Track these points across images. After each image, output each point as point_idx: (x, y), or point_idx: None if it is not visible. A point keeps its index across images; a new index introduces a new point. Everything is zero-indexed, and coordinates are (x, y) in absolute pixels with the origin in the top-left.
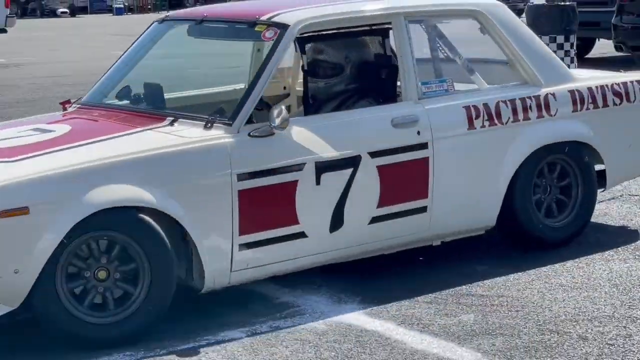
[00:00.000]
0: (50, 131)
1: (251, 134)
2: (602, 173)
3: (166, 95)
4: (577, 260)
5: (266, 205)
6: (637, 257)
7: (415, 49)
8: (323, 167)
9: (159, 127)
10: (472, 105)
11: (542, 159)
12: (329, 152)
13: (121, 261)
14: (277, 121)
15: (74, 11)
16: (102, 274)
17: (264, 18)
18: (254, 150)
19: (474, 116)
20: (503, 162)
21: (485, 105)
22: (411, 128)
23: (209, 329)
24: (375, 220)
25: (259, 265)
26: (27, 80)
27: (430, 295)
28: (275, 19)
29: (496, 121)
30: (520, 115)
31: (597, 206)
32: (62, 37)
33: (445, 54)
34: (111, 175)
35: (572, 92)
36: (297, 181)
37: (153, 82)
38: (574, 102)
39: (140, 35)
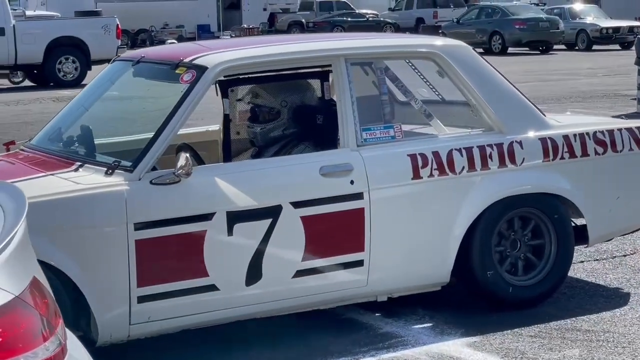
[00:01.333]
0: None
1: (153, 181)
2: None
3: (101, 140)
4: None
5: (168, 256)
6: None
7: (364, 91)
8: (236, 217)
9: (63, 172)
10: (419, 154)
11: (506, 211)
12: (244, 201)
13: None
14: (179, 169)
15: (182, 42)
16: None
17: (186, 60)
18: (154, 198)
19: (420, 165)
20: (456, 215)
21: (435, 153)
22: (343, 177)
23: (312, 357)
24: (300, 273)
25: (164, 319)
26: (141, 114)
27: (534, 328)
28: (196, 61)
29: (447, 171)
30: (478, 165)
31: None
32: None
33: (399, 97)
34: None
35: (543, 140)
36: (205, 231)
37: (85, 126)
38: (546, 151)
39: (97, 75)
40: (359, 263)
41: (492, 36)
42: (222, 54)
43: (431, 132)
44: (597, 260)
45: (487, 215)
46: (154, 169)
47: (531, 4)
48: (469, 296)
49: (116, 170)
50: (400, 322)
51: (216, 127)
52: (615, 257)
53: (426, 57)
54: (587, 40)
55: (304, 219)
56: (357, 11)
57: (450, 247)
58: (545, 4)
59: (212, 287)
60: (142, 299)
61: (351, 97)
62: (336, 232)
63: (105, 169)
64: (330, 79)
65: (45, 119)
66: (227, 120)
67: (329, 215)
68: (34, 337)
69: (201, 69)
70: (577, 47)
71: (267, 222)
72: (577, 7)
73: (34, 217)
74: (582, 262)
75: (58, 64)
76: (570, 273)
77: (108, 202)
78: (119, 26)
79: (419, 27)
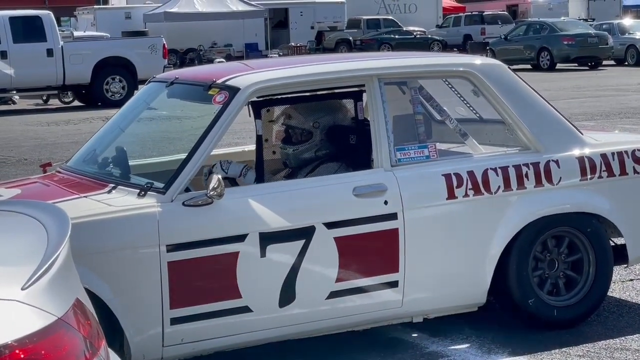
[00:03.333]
0: None
1: (185, 203)
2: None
3: (136, 162)
4: None
5: (201, 278)
6: None
7: (399, 110)
8: (269, 238)
9: (96, 194)
10: (454, 173)
11: (544, 231)
12: (276, 222)
13: None
14: (212, 190)
15: (230, 60)
16: None
17: (219, 81)
18: (187, 220)
19: (455, 185)
20: (492, 235)
21: (471, 173)
22: (377, 197)
23: None
24: (334, 294)
25: (197, 340)
26: (189, 132)
27: (582, 347)
28: (228, 82)
29: (483, 190)
30: (514, 184)
31: None
32: None
33: (434, 117)
34: None
35: (580, 159)
36: (237, 252)
37: (120, 147)
38: (583, 170)
39: (133, 96)
40: (394, 284)
41: (540, 52)
42: (255, 74)
43: (466, 152)
44: None
45: (524, 235)
46: (187, 190)
47: (580, 19)
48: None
49: (149, 192)
50: (446, 342)
51: (252, 147)
52: None
53: (460, 75)
54: (637, 55)
55: (338, 239)
56: (404, 29)
57: (486, 268)
58: (594, 20)
59: (245, 309)
60: (175, 321)
61: (385, 116)
62: (370, 252)
63: (138, 190)
64: (364, 99)
65: None
66: (259, 141)
67: (363, 235)
68: (76, 359)
69: (233, 90)
70: (626, 63)
71: (300, 243)
72: (627, 22)
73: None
74: (632, 280)
75: (105, 84)
76: (619, 292)
77: (140, 224)
78: (165, 46)
79: (466, 44)
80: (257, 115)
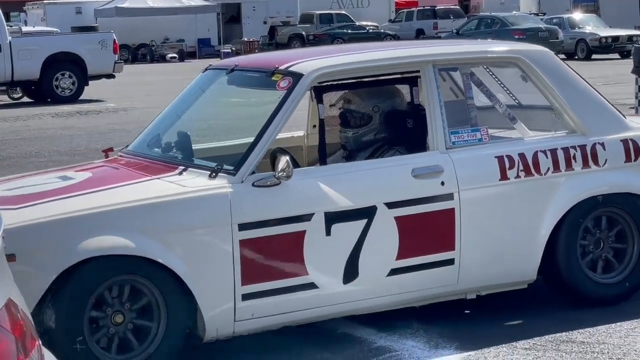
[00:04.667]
0: (70, 179)
1: (255, 183)
2: None
3: (197, 146)
4: None
5: (271, 256)
6: None
7: (450, 96)
8: (334, 218)
9: (168, 176)
10: (506, 155)
11: (591, 211)
12: (340, 203)
13: (133, 302)
14: (280, 171)
15: (183, 56)
16: (118, 319)
17: (281, 67)
18: (257, 200)
19: (507, 167)
20: (542, 214)
21: (522, 155)
22: (434, 179)
23: None
24: (395, 272)
25: (266, 316)
26: (136, 124)
27: (529, 341)
28: (292, 69)
29: (533, 172)
30: (562, 166)
31: None
32: (170, 82)
33: (485, 102)
34: (100, 224)
35: (625, 141)
36: (304, 231)
37: (183, 132)
38: (627, 152)
39: (189, 84)
40: (450, 262)
41: None
42: (317, 61)
43: (516, 135)
44: None
45: (572, 215)
46: (252, 172)
47: (530, 14)
48: (463, 307)
49: (219, 174)
50: (394, 336)
51: (300, 133)
52: None
53: (510, 62)
54: (587, 49)
55: (398, 219)
56: (357, 23)
57: (536, 246)
58: (544, 14)
59: (311, 285)
60: (246, 297)
61: (439, 101)
62: (428, 231)
63: (209, 172)
64: (419, 84)
65: (43, 135)
66: (322, 125)
67: (421, 215)
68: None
69: (297, 76)
70: (576, 57)
71: (362, 222)
72: (577, 16)
73: (142, 218)
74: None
75: (55, 79)
76: None
77: (214, 203)
78: (116, 41)
79: (419, 38)
80: (319, 100)
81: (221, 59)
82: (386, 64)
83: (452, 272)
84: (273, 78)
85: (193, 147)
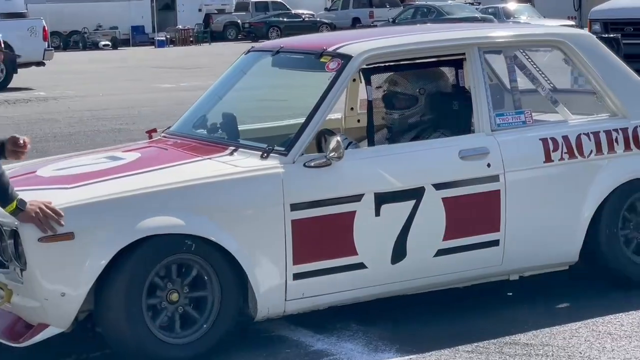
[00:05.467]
0: (120, 159)
1: (306, 164)
2: None
3: (242, 127)
4: (625, 307)
5: (321, 236)
6: None
7: (494, 79)
8: (383, 198)
9: (218, 156)
10: (550, 138)
11: (632, 194)
12: (389, 183)
13: (191, 284)
14: (332, 152)
15: (116, 44)
16: (174, 297)
17: (330, 49)
18: (309, 180)
19: (551, 149)
20: (585, 196)
21: (565, 137)
22: (480, 160)
23: None
24: (441, 252)
25: (316, 295)
26: (66, 114)
27: (472, 343)
28: (340, 50)
29: (577, 154)
30: (605, 149)
31: None
32: (103, 70)
33: (527, 85)
34: (159, 204)
35: None
36: (354, 212)
37: (229, 113)
38: None
39: (230, 65)
40: (495, 243)
41: None
42: (366, 42)
43: (558, 118)
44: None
45: (614, 198)
46: (302, 153)
47: (466, 3)
48: (403, 308)
49: (271, 154)
50: (332, 339)
51: (338, 115)
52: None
53: (553, 45)
54: None
55: (445, 200)
56: (293, 12)
57: (579, 228)
58: (479, 3)
59: (360, 265)
60: (297, 276)
61: (485, 84)
62: (474, 212)
63: (260, 153)
64: (464, 67)
65: None
66: (370, 106)
67: (468, 196)
68: None
69: (346, 58)
70: None
71: (411, 203)
72: (511, 6)
73: (197, 198)
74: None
75: None
76: (506, 286)
77: (266, 183)
78: (46, 28)
79: (355, 27)
80: (368, 82)
81: (155, 47)
82: (433, 47)
83: (496, 253)
84: (321, 60)
85: (239, 128)
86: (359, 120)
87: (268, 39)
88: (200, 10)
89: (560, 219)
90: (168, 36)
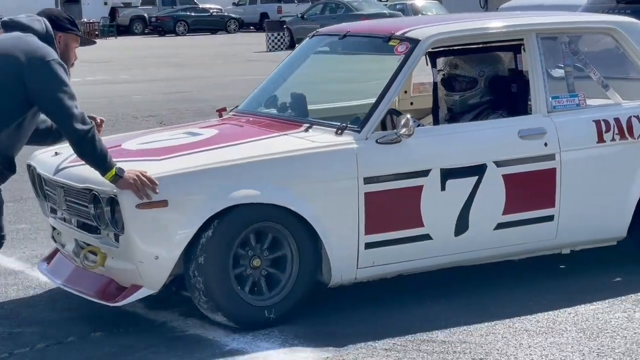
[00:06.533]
0: (199, 134)
1: (378, 140)
2: None
3: (310, 106)
4: (541, 303)
5: (391, 208)
6: (603, 298)
7: (548, 64)
8: (448, 174)
9: (294, 132)
10: (603, 120)
11: None
12: (454, 160)
13: (270, 249)
14: (403, 129)
15: None
16: (256, 262)
17: (398, 33)
18: (380, 155)
19: (604, 130)
20: (634, 176)
21: (617, 120)
22: (538, 140)
23: None
24: (500, 226)
25: (385, 264)
26: None
27: (389, 341)
28: (408, 34)
29: (627, 135)
30: None
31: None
32: None
33: (580, 70)
34: (245, 175)
35: None
36: (422, 186)
37: (297, 93)
38: None
39: (295, 49)
40: (550, 218)
41: None
42: (432, 27)
43: (609, 101)
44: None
45: None
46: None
47: None
48: (320, 306)
49: (345, 131)
50: (247, 338)
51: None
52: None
53: (605, 32)
54: None
55: (505, 176)
56: (200, 6)
57: (628, 206)
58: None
59: (426, 237)
60: (368, 245)
61: (542, 68)
62: (531, 189)
63: (335, 129)
64: (522, 52)
65: None
66: (435, 87)
67: (526, 173)
68: None
69: (414, 41)
70: None
71: (474, 179)
72: (419, 2)
73: (279, 170)
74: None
75: None
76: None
77: (342, 158)
78: None
79: (263, 22)
80: (433, 65)
81: None
82: (494, 32)
83: (551, 227)
84: (390, 43)
85: (308, 108)
86: (412, 103)
87: (175, 33)
88: (105, 3)
89: (611, 196)
90: None
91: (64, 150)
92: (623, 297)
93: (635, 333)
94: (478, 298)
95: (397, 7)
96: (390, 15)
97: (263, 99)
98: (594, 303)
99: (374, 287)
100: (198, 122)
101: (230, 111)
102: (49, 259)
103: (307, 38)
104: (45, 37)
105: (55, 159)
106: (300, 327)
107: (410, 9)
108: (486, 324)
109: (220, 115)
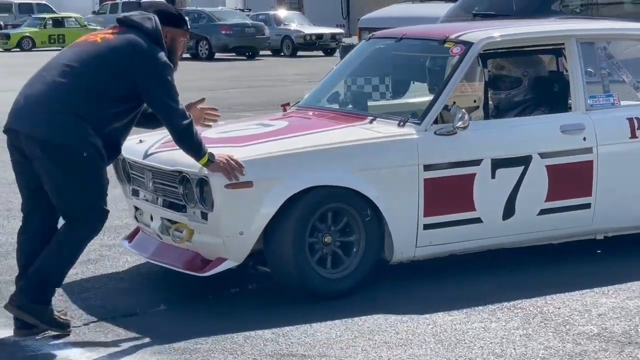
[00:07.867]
0: (271, 125)
1: (437, 132)
2: None
3: (369, 102)
4: (400, 313)
5: (447, 193)
6: (460, 308)
7: (586, 66)
8: (498, 164)
9: (360, 124)
10: (636, 118)
11: None
12: (503, 151)
13: (341, 230)
14: (459, 122)
15: None
16: (327, 239)
17: (452, 37)
18: (438, 146)
19: (636, 127)
20: None
21: None
22: (578, 135)
23: None
24: (543, 212)
25: (440, 244)
26: None
27: (248, 356)
28: (462, 38)
29: None
30: None
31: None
32: None
33: (615, 73)
34: (320, 160)
35: None
36: (474, 174)
37: (358, 90)
38: None
39: (352, 50)
40: (587, 206)
41: (199, 42)
42: (483, 32)
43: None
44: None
45: None
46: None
47: (237, 9)
48: (181, 323)
49: (407, 123)
50: (103, 356)
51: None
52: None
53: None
54: (292, 46)
55: (548, 167)
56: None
57: None
58: (250, 10)
59: (477, 220)
60: (426, 227)
61: (581, 69)
62: (571, 179)
63: (397, 122)
64: (563, 55)
65: None
66: (485, 86)
67: (566, 165)
68: None
69: (468, 44)
70: (282, 53)
71: (520, 169)
72: (282, 13)
73: (351, 156)
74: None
75: None
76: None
77: (405, 147)
78: None
79: None
80: (484, 65)
81: None
82: (539, 37)
83: (588, 214)
84: (445, 45)
85: (368, 104)
86: (454, 102)
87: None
88: None
89: None
90: None
91: (147, 138)
92: (481, 307)
93: (491, 343)
94: (339, 313)
95: (260, 17)
96: (253, 26)
97: (323, 95)
98: (451, 313)
99: (218, 303)
100: (266, 115)
101: (293, 106)
102: (130, 237)
103: (364, 40)
104: (154, 34)
105: (142, 145)
106: (159, 342)
107: (273, 19)
108: (346, 337)
109: (285, 109)
